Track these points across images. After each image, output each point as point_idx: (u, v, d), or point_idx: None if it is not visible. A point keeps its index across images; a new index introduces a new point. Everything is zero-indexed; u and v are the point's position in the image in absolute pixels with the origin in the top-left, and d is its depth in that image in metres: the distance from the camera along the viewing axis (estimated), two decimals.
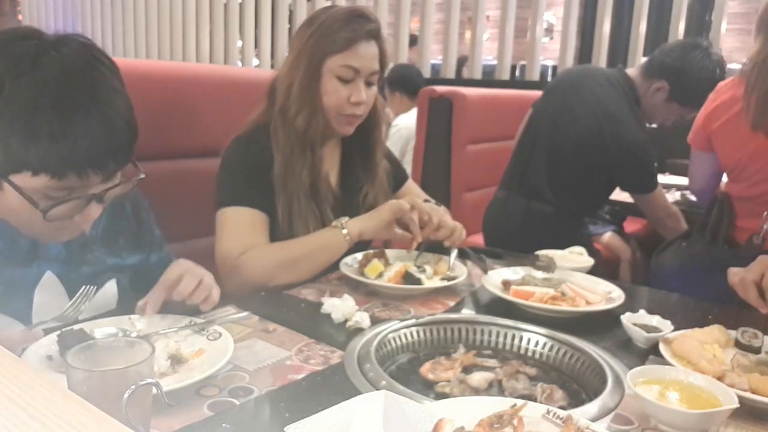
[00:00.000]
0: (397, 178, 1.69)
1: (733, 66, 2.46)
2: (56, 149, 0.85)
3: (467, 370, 1.00)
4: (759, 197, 1.76)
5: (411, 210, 1.41)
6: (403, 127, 3.46)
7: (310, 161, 1.42)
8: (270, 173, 1.40)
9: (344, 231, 1.38)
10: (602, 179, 2.22)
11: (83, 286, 1.01)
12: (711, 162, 1.94)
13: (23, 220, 0.95)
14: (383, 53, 1.44)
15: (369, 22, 1.40)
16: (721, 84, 1.89)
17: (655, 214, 2.28)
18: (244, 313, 1.12)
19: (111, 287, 1.13)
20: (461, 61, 5.42)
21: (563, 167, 2.21)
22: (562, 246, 1.53)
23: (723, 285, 1.30)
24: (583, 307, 1.22)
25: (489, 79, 4.28)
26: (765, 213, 1.70)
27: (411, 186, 1.76)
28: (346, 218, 1.40)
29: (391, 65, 4.00)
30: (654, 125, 2.35)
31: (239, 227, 1.37)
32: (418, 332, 1.11)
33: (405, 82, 3.77)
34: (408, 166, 2.89)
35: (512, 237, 2.26)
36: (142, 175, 1.00)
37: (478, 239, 2.52)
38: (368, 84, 1.43)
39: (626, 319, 1.12)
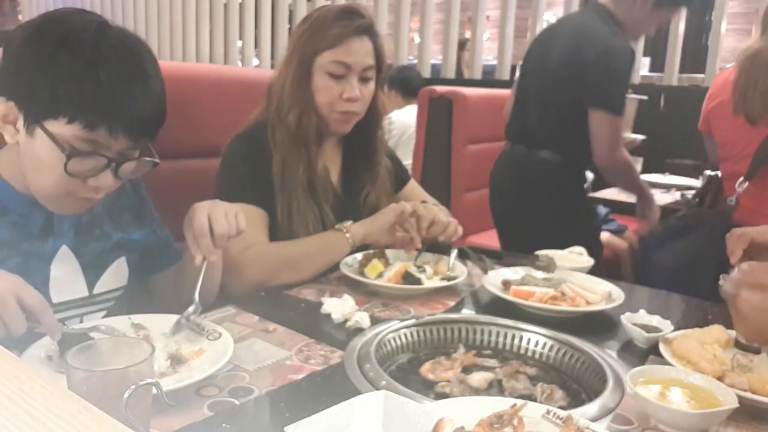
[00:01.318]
0: (400, 177, 1.69)
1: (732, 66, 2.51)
2: (97, 100, 0.92)
3: (467, 370, 1.00)
4: (743, 174, 1.89)
5: (411, 214, 1.41)
6: (395, 120, 3.52)
7: (305, 159, 1.41)
8: (270, 171, 1.40)
9: (347, 234, 1.39)
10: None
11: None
12: (716, 146, 2.11)
13: (43, 175, 0.97)
14: (378, 49, 1.42)
15: (360, 18, 1.39)
16: (722, 71, 2.08)
17: (603, 144, 2.04)
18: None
19: (122, 264, 1.17)
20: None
21: (552, 106, 2.14)
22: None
23: (703, 240, 1.47)
24: (583, 307, 1.22)
25: (489, 79, 4.28)
26: (740, 179, 1.86)
27: (413, 186, 1.74)
28: (350, 222, 1.42)
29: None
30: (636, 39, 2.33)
31: None
32: (418, 332, 1.11)
33: (403, 82, 3.82)
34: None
35: (518, 187, 2.25)
36: (157, 160, 1.05)
37: (479, 239, 2.52)
38: (363, 80, 1.41)
39: (626, 319, 1.12)
